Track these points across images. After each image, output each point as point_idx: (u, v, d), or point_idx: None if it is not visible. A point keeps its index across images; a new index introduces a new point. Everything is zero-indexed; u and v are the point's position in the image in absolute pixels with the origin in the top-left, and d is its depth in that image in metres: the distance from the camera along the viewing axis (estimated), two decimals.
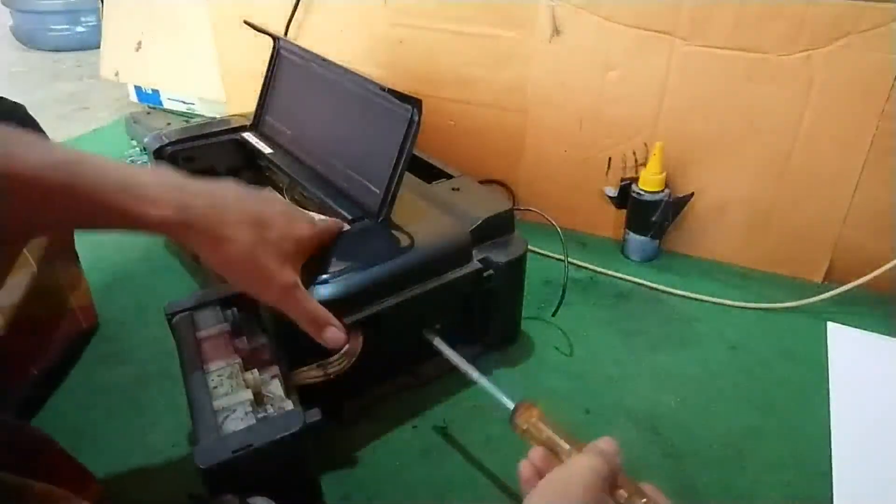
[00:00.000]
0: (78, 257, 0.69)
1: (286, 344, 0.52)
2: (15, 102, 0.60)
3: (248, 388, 0.44)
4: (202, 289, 0.76)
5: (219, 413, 0.42)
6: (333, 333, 0.49)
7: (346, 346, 0.52)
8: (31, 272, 0.59)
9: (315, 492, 0.48)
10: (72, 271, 0.69)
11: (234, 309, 0.52)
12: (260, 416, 0.42)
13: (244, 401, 0.43)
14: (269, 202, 0.48)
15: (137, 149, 1.13)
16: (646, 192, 0.80)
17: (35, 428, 0.52)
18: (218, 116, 0.95)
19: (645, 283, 0.80)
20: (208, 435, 0.40)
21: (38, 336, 0.62)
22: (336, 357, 0.51)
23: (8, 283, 0.57)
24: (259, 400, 0.44)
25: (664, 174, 0.80)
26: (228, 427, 0.41)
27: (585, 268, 0.83)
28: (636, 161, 0.83)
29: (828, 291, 0.73)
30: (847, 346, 0.70)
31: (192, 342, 0.48)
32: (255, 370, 0.47)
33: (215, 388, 0.44)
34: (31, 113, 0.62)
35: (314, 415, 0.43)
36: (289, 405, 0.44)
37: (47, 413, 0.60)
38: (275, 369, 0.47)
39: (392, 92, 0.58)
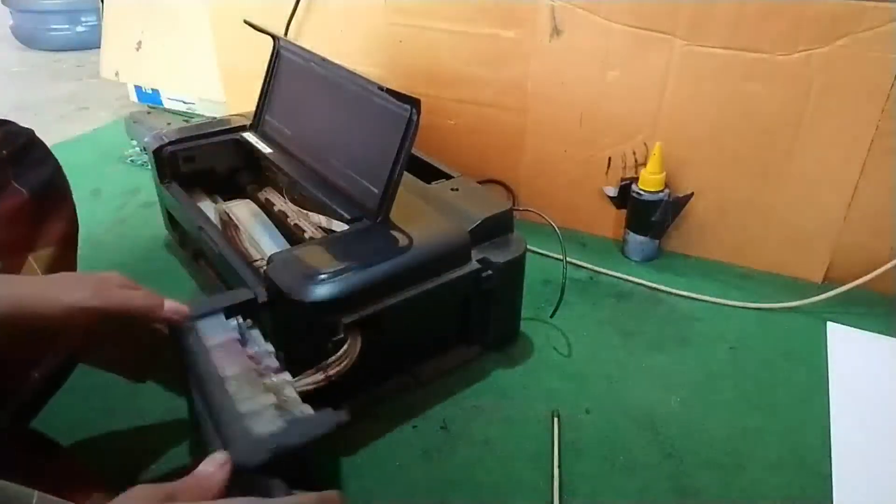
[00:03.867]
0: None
1: (285, 350, 0.52)
2: (24, 127, 0.60)
3: (268, 391, 0.44)
4: (202, 290, 0.77)
5: (245, 416, 0.42)
6: (171, 304, 0.46)
7: (346, 347, 0.52)
8: None
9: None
10: None
11: (239, 317, 0.52)
12: (287, 418, 0.43)
13: (269, 404, 0.43)
14: None
15: (137, 149, 1.13)
16: (646, 192, 0.80)
17: (39, 433, 0.52)
18: (218, 116, 0.95)
19: (645, 283, 0.80)
20: (244, 436, 0.40)
21: (40, 341, 0.61)
22: (335, 358, 0.51)
23: None
24: (278, 404, 0.45)
25: (664, 174, 0.79)
26: (259, 429, 0.41)
27: (585, 268, 0.83)
28: (636, 161, 0.83)
29: (828, 291, 0.73)
30: (847, 346, 0.69)
31: (202, 350, 0.48)
32: (267, 376, 0.47)
33: (235, 393, 0.44)
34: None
35: (343, 415, 0.43)
36: (308, 409, 0.44)
37: (46, 414, 0.60)
38: (286, 375, 0.48)
39: (391, 92, 0.58)
